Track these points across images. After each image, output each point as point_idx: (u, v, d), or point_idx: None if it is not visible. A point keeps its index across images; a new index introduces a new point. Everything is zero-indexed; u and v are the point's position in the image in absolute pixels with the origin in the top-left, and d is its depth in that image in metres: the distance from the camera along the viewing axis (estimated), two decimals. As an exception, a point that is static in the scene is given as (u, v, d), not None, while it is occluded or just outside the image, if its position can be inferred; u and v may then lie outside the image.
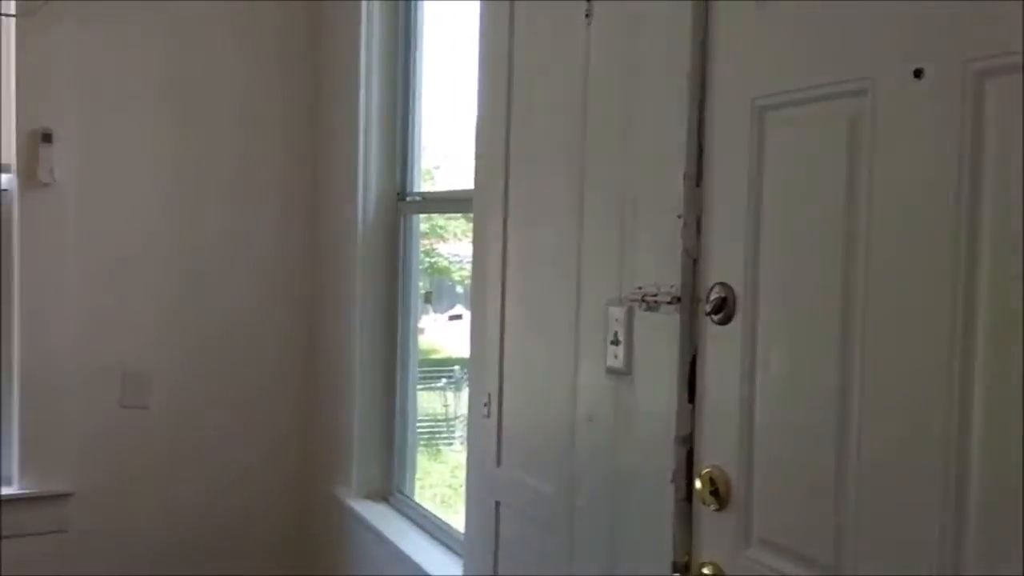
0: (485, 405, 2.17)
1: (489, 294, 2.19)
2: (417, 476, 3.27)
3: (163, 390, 3.30)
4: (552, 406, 1.96)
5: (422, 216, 3.28)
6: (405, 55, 3.15)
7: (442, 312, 4.30)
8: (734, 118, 1.55)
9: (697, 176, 1.62)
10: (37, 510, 3.11)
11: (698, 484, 1.59)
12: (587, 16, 1.87)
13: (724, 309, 1.55)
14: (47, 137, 3.08)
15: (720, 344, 1.57)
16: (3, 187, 3.13)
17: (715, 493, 1.55)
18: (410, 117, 3.16)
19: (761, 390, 1.49)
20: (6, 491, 3.11)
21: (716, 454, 1.58)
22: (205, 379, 3.36)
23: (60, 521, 3.14)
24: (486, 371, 2.18)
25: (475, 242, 2.29)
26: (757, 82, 1.50)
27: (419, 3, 3.14)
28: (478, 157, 2.29)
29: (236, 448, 3.40)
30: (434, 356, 4.64)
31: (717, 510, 1.55)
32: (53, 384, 3.14)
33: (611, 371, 1.80)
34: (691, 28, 1.62)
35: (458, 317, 2.84)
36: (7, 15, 3.01)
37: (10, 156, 3.08)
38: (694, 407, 1.63)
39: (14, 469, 3.12)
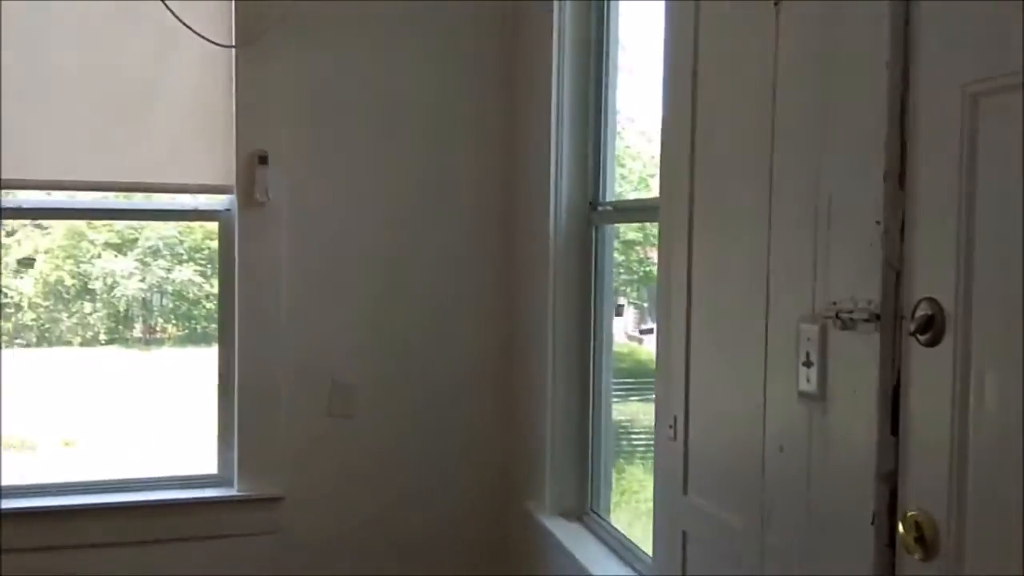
0: (670, 427, 2.04)
1: (674, 308, 2.06)
2: (618, 491, 3.16)
3: (366, 399, 3.39)
4: (740, 431, 1.80)
5: (634, 224, 3.18)
6: (598, 57, 3.07)
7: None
8: (941, 108, 1.34)
9: (899, 176, 1.42)
10: (251, 512, 3.28)
11: (901, 529, 1.39)
12: (776, 3, 1.70)
13: (932, 328, 1.34)
14: (263, 159, 3.25)
15: (927, 368, 1.37)
16: (226, 207, 3.34)
17: (920, 540, 1.35)
18: (603, 122, 3.07)
19: (976, 422, 1.28)
20: (226, 493, 3.30)
21: (923, 495, 1.37)
22: (405, 389, 3.43)
23: (272, 523, 3.29)
24: (671, 390, 2.05)
25: (660, 253, 2.17)
26: (969, 64, 1.29)
27: (612, 3, 3.04)
28: (663, 162, 2.16)
29: (435, 456, 3.44)
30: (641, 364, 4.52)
31: (923, 559, 1.35)
32: (268, 393, 3.30)
33: (803, 395, 1.62)
34: (890, 8, 1.42)
35: (650, 331, 2.72)
36: (229, 46, 3.21)
37: (231, 178, 3.28)
38: (897, 440, 1.42)
39: (234, 472, 3.31)
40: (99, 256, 3.40)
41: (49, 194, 3.35)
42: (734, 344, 1.84)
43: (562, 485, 3.10)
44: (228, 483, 3.33)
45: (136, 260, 3.39)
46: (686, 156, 2.02)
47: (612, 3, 3.04)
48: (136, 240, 3.38)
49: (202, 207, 3.44)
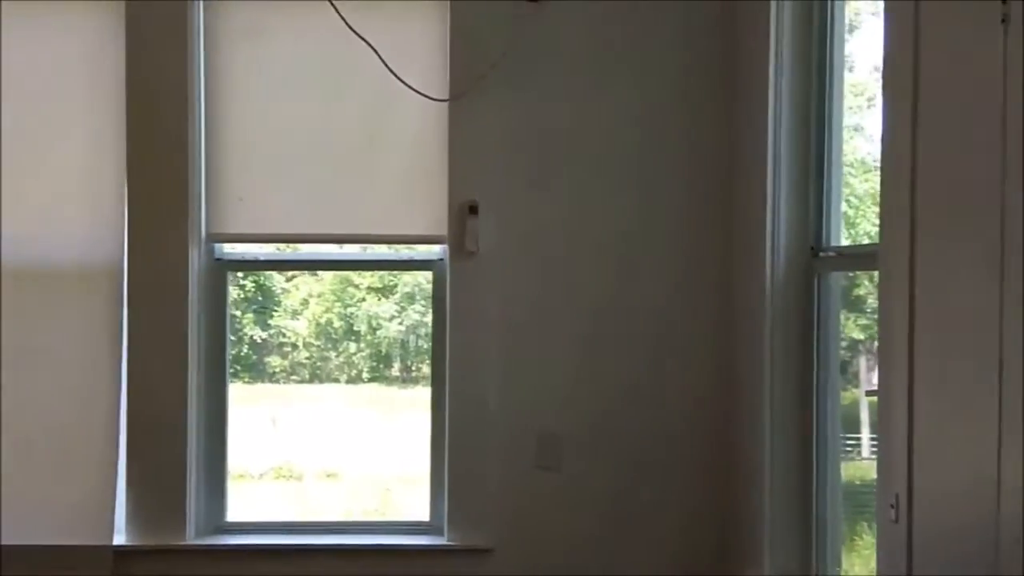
0: (892, 507, 1.79)
1: (895, 368, 1.82)
2: (852, 558, 2.87)
3: (575, 452, 3.31)
4: (970, 515, 1.55)
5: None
6: (819, 91, 2.86)
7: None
8: None
9: None
10: (461, 562, 3.28)
11: None
12: (1003, 21, 1.48)
13: None
14: (473, 209, 3.29)
15: None
16: (439, 257, 3.41)
17: None
18: (826, 158, 2.84)
19: None
20: (437, 541, 3.32)
21: None
22: (614, 442, 3.31)
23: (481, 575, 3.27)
24: (892, 463, 1.81)
25: (880, 304, 1.94)
26: None
27: (833, 30, 2.82)
28: (882, 200, 1.94)
29: (645, 514, 3.29)
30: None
31: None
32: (477, 441, 3.30)
33: (1046, 476, 1.36)
34: None
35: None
36: (442, 99, 3.29)
37: (443, 228, 3.34)
38: None
39: (444, 520, 3.33)
40: (363, 300, 3.68)
41: (277, 246, 3.59)
42: (964, 412, 1.60)
43: (783, 550, 2.86)
44: (439, 531, 3.35)
45: (395, 304, 3.64)
46: (906, 193, 1.80)
47: (832, 28, 2.83)
48: (396, 286, 3.65)
49: (418, 257, 3.53)
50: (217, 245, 3.40)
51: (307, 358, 3.70)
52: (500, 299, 3.32)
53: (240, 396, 3.52)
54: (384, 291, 3.68)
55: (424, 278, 3.56)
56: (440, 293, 3.40)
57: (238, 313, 3.61)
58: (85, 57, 3.32)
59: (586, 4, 3.32)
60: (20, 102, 3.27)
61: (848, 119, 2.89)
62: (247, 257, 3.49)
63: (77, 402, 3.30)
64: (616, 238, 3.35)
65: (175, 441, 3.26)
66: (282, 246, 3.61)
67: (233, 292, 3.53)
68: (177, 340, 3.28)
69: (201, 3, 3.29)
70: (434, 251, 3.43)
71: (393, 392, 3.71)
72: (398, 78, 3.20)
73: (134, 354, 3.28)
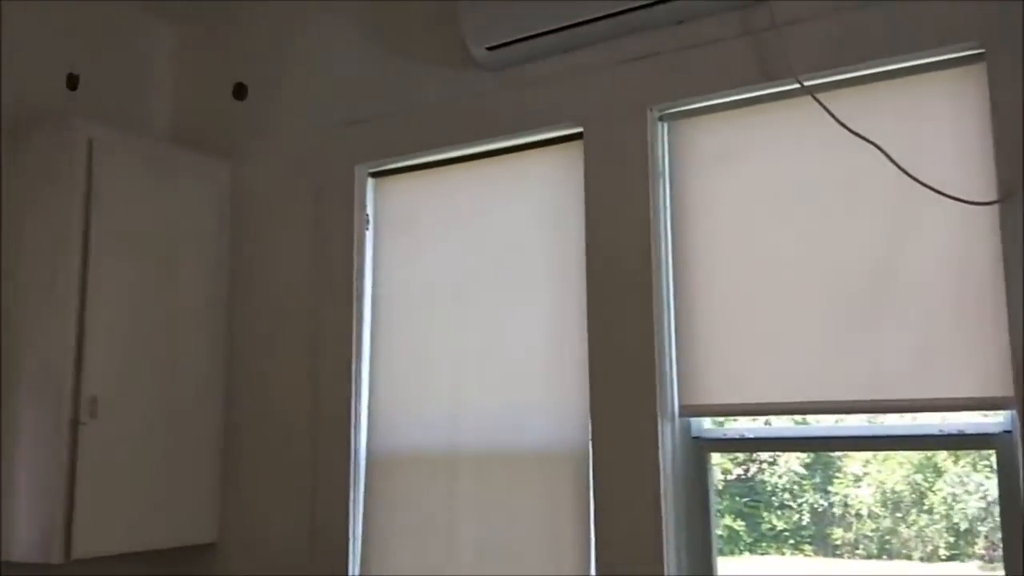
0: None
1: None
2: None
3: None
4: None
5: None
6: None
7: None
8: None
9: None
10: None
11: None
12: None
13: None
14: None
15: None
16: (1004, 428, 2.36)
17: None
18: None
19: None
20: None
21: None
22: None
23: None
24: None
25: None
26: None
27: None
28: None
29: None
30: None
31: None
32: None
33: None
34: None
35: None
36: (989, 202, 2.37)
37: (1007, 388, 2.32)
38: None
39: None
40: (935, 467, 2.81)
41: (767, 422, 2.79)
42: None
43: None
44: None
45: (984, 475, 2.70)
46: None
47: None
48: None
49: (967, 430, 2.49)
50: (694, 420, 2.73)
51: (872, 530, 2.87)
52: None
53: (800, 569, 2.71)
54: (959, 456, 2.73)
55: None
56: (1010, 479, 2.33)
57: (802, 472, 2.85)
58: (543, 199, 3.01)
59: None
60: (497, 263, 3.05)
61: None
62: (729, 435, 2.75)
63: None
64: None
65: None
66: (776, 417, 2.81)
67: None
68: (649, 532, 2.62)
69: (666, 125, 2.81)
70: (995, 421, 2.40)
71: (973, 572, 2.66)
72: (927, 187, 2.36)
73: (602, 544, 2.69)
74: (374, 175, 3.36)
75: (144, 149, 3.37)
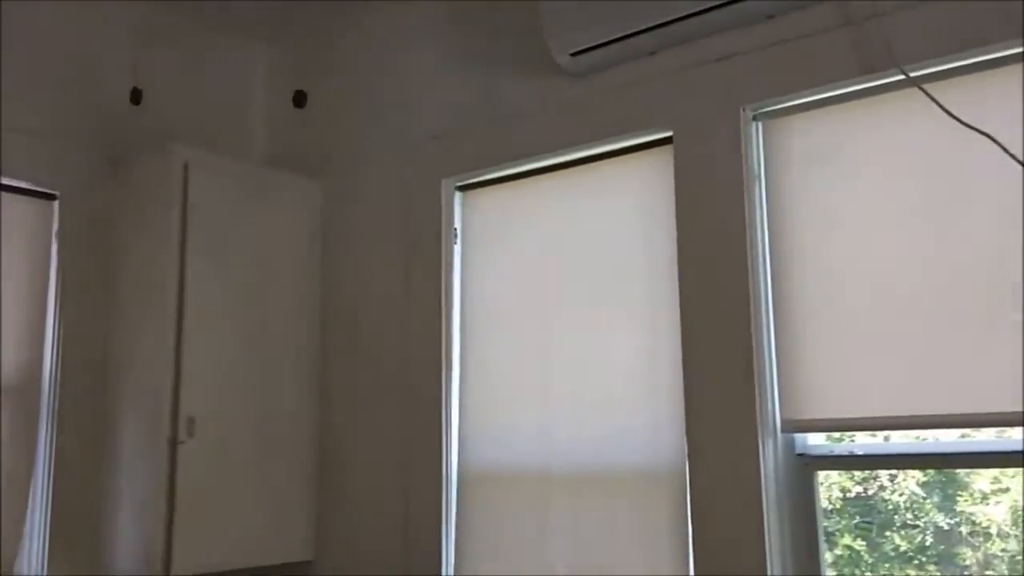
0: None
1: None
2: None
3: None
4: None
5: None
6: None
7: None
8: None
9: None
10: None
11: None
12: None
13: None
14: None
15: None
16: None
17: None
18: None
19: None
20: None
21: None
22: None
23: None
24: None
25: None
26: None
27: None
28: None
29: None
30: None
31: None
32: None
33: None
34: None
35: None
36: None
37: None
38: None
39: None
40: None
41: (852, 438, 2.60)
42: None
43: None
44: None
45: None
46: None
47: None
48: None
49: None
50: (798, 436, 2.58)
51: (1002, 550, 2.66)
52: None
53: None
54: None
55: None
56: None
57: (922, 495, 2.66)
58: (632, 208, 2.90)
59: None
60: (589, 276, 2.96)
61: None
62: (837, 452, 2.58)
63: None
64: None
65: None
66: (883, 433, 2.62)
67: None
68: (752, 556, 2.48)
69: (760, 125, 2.67)
70: None
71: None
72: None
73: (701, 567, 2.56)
74: (461, 188, 3.32)
75: (237, 170, 3.42)
